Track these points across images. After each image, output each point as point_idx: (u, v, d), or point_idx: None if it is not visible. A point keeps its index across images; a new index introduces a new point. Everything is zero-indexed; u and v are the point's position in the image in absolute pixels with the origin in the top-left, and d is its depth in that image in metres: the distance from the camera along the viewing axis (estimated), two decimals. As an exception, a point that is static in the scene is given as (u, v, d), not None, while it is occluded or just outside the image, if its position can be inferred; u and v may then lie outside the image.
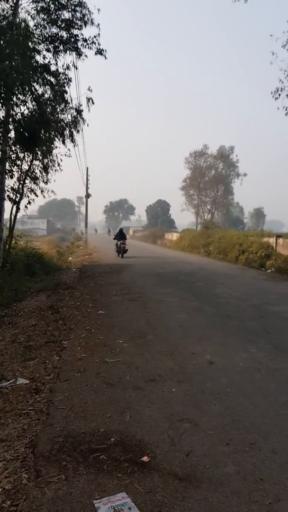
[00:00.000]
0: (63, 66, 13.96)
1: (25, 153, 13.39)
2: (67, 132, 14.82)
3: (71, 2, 12.94)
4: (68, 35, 13.17)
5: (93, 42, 13.47)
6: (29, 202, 14.50)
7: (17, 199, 13.78)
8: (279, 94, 16.17)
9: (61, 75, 13.78)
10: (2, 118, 11.10)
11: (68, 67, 13.92)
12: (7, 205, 13.39)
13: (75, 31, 13.18)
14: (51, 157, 14.87)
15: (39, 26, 12.65)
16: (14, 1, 11.81)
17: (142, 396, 4.20)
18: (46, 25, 12.74)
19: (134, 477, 2.82)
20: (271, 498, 2.61)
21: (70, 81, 14.19)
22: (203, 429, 3.49)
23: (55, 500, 2.58)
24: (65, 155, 15.68)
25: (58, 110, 14.39)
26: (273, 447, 3.21)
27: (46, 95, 13.35)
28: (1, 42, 9.17)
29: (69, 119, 14.85)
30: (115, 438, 3.33)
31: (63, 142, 14.82)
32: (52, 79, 13.29)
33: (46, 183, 15.03)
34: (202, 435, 3.39)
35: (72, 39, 13.25)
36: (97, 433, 3.42)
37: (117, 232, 25.14)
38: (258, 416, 3.76)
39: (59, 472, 2.87)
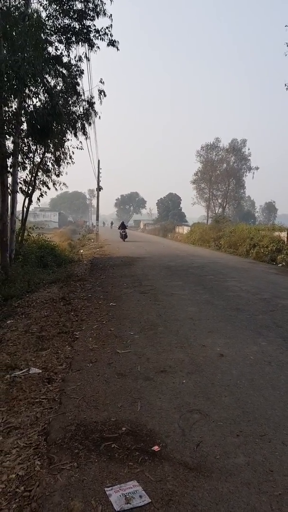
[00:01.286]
0: (75, 57, 13.97)
1: (37, 146, 13.46)
2: (79, 124, 14.85)
3: (84, -8, 12.86)
4: (80, 26, 13.08)
5: (105, 33, 13.38)
6: (41, 195, 14.63)
7: (29, 192, 13.89)
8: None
9: (73, 67, 13.76)
10: (14, 110, 11.12)
11: (80, 59, 13.90)
12: (20, 197, 13.50)
13: (87, 22, 13.09)
14: (63, 149, 14.94)
15: (51, 17, 12.59)
16: (27, -9, 11.79)
17: (153, 386, 4.23)
18: (58, 16, 12.67)
19: (145, 466, 2.86)
20: (281, 489, 2.63)
21: (82, 73, 14.19)
22: (214, 420, 3.51)
23: (67, 486, 2.63)
24: (77, 147, 15.78)
25: (70, 102, 14.40)
26: (283, 439, 3.22)
27: (58, 87, 13.35)
28: (14, 33, 9.14)
29: (81, 112, 14.88)
30: (126, 428, 3.36)
31: (75, 135, 14.86)
32: (64, 71, 13.26)
33: (58, 175, 15.13)
34: (212, 426, 3.41)
35: (85, 30, 13.16)
36: (109, 422, 3.46)
37: (120, 224, 37.77)
38: (269, 408, 3.76)
39: (71, 459, 2.92)
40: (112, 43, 13.61)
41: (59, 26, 12.87)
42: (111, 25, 13.44)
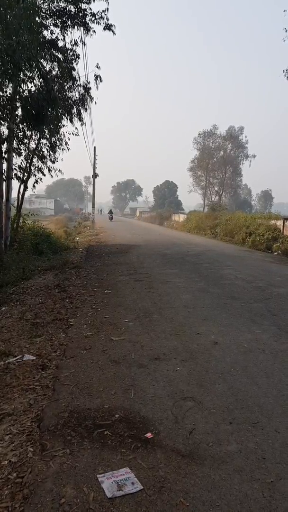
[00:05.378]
0: (71, 42, 13.78)
1: (33, 131, 13.29)
2: (74, 110, 14.70)
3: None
4: (76, 9, 12.88)
5: (101, 17, 13.19)
6: (36, 181, 14.48)
7: (24, 178, 13.75)
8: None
9: (68, 51, 13.58)
10: (9, 95, 10.96)
11: (76, 43, 13.73)
12: (15, 184, 13.38)
13: (83, 5, 12.89)
14: (58, 135, 14.74)
15: (47, 0, 12.39)
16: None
17: (147, 374, 4.23)
18: (53, -2, 12.46)
19: (137, 453, 2.86)
20: (273, 476, 2.64)
21: (78, 57, 14.00)
22: (207, 407, 3.52)
23: (59, 473, 2.63)
24: (73, 133, 15.59)
25: (66, 87, 14.22)
26: (276, 427, 3.24)
27: (53, 72, 13.16)
28: (8, 16, 8.96)
29: (76, 97, 14.73)
30: (119, 415, 3.37)
31: (71, 121, 14.71)
32: (60, 55, 13.09)
33: (53, 162, 14.96)
34: (205, 413, 3.42)
35: (80, 14, 12.97)
36: (102, 409, 3.46)
37: (108, 210, 58.42)
38: (262, 396, 3.78)
39: (64, 446, 2.92)
40: (108, 27, 13.42)
41: (54, 9, 12.67)
42: (107, 8, 13.25)
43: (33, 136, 13.74)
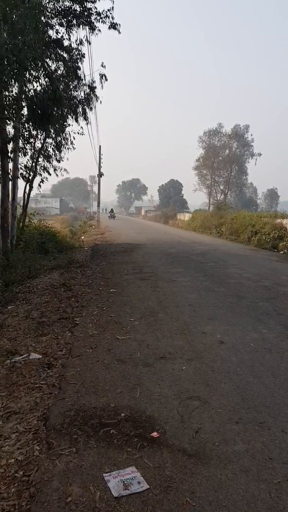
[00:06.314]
0: (76, 41, 13.74)
1: (38, 131, 13.32)
2: (80, 109, 14.70)
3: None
4: (81, 8, 12.83)
5: (106, 16, 13.15)
6: (42, 181, 14.54)
7: (30, 177, 13.79)
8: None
9: (74, 50, 13.55)
10: (15, 95, 10.97)
11: (81, 42, 13.68)
12: (21, 183, 13.42)
13: (89, 4, 12.86)
14: (64, 135, 14.79)
15: (52, 0, 12.39)
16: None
17: (153, 373, 4.23)
18: (59, -2, 12.45)
19: (143, 452, 2.86)
20: (280, 477, 2.63)
21: (83, 57, 13.97)
22: (213, 407, 3.51)
23: (66, 472, 2.63)
24: (78, 133, 15.60)
25: (71, 86, 14.22)
26: (282, 427, 3.22)
27: (59, 71, 13.16)
28: (14, 16, 8.97)
29: (82, 96, 14.73)
30: (125, 414, 3.37)
31: (76, 120, 14.71)
32: (65, 55, 13.07)
33: (59, 161, 15.01)
34: (211, 413, 3.41)
35: (86, 13, 12.93)
36: (108, 408, 3.46)
37: (110, 209, 61.22)
38: (268, 396, 3.76)
39: (70, 445, 2.92)
40: (113, 26, 13.38)
41: (59, 9, 12.64)
42: (112, 7, 13.19)
43: (39, 136, 13.80)
